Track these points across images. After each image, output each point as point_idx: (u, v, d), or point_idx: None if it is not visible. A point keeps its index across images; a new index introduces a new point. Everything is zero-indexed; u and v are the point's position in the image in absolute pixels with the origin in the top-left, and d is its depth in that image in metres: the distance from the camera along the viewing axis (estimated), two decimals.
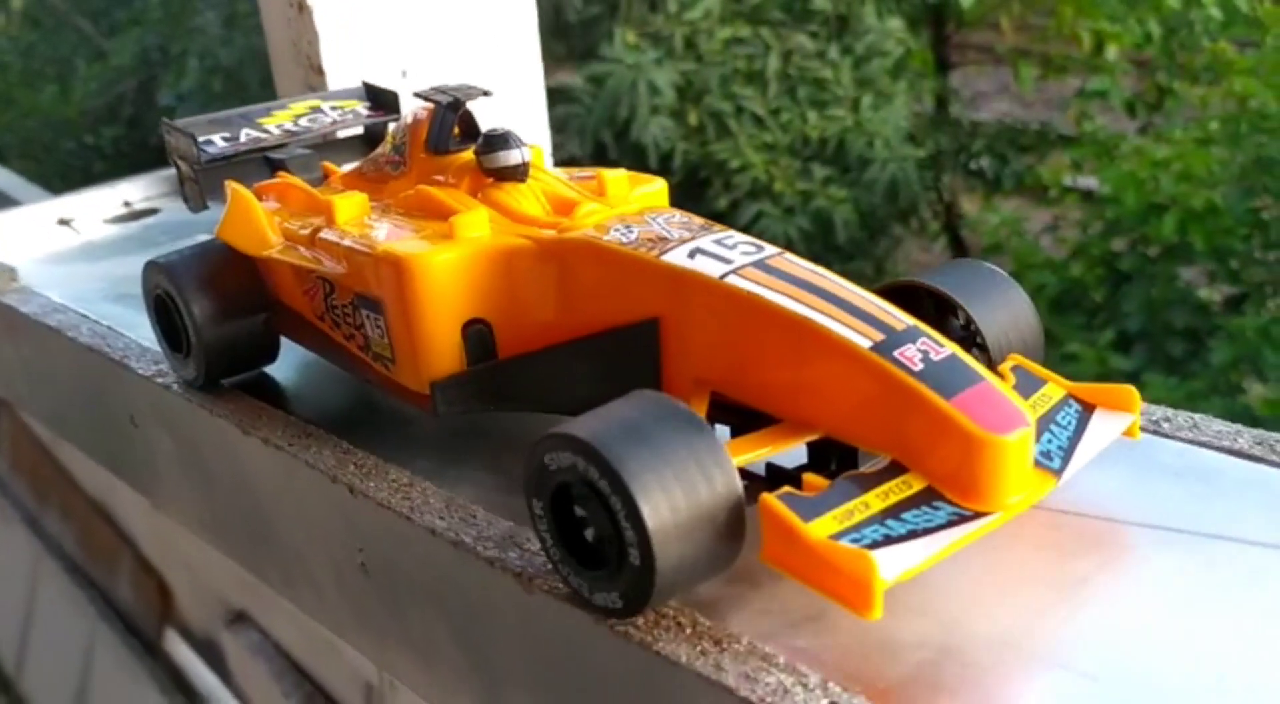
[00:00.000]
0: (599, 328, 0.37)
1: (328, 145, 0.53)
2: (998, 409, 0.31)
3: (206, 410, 0.47)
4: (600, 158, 2.38)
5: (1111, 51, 2.76)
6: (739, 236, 0.36)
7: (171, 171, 0.57)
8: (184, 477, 0.53)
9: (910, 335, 0.32)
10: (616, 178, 0.41)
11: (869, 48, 2.84)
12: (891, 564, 0.28)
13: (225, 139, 0.51)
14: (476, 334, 0.39)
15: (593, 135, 2.43)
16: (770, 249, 0.36)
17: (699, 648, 0.30)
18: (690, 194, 2.48)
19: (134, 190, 0.77)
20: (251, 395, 0.48)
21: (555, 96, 2.33)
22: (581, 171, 0.43)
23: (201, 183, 0.50)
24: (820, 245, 2.51)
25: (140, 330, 0.54)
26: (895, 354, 0.31)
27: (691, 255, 0.35)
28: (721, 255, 0.35)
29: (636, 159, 2.38)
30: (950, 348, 0.32)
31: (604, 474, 0.29)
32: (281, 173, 0.50)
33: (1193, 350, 1.96)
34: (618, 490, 0.29)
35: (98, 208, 0.75)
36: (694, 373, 0.36)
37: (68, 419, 0.65)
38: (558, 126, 2.28)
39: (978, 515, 0.30)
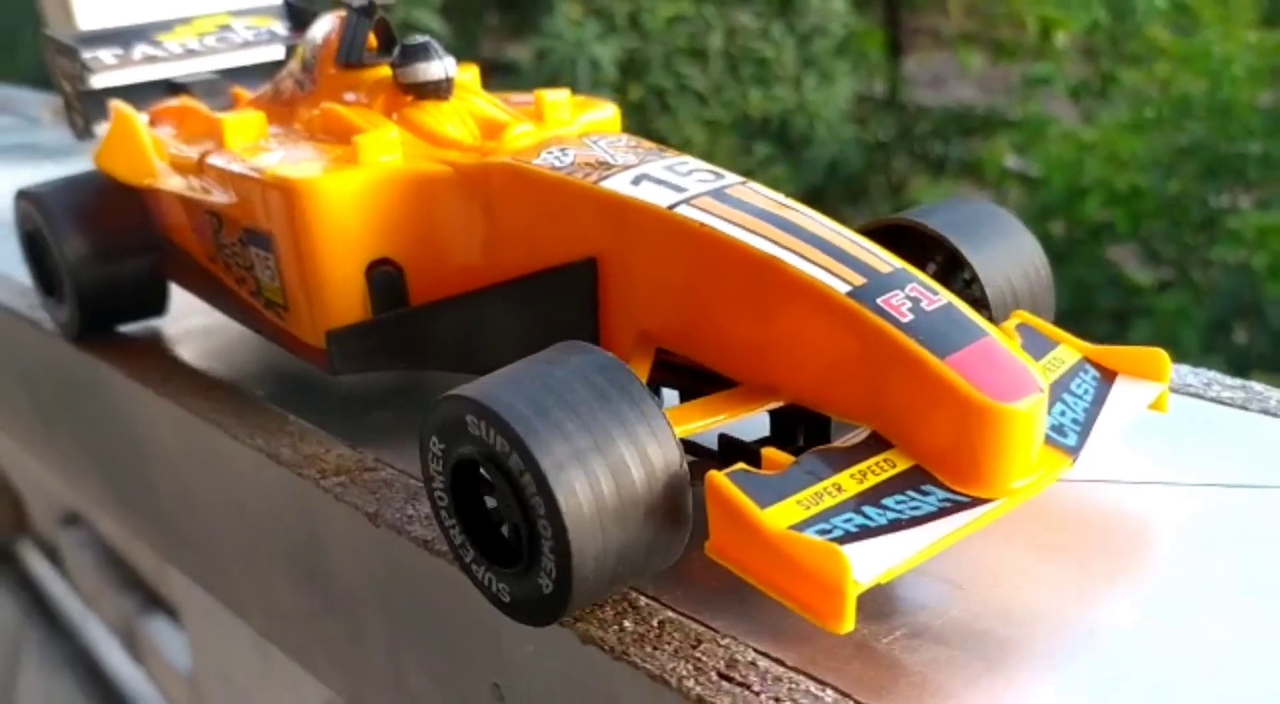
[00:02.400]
0: (526, 270, 0.30)
1: (242, 70, 0.45)
2: (1003, 371, 0.24)
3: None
4: None
5: (1060, 38, 2.71)
6: (695, 162, 0.29)
7: None
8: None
9: (897, 279, 0.25)
10: (556, 100, 0.34)
11: (812, 28, 2.78)
12: (868, 563, 0.22)
13: (116, 57, 0.43)
14: (383, 277, 0.32)
15: None
16: (731, 177, 0.29)
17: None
18: None
19: None
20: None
21: (497, 69, 2.25)
22: (521, 96, 0.36)
23: (86, 107, 0.42)
24: None
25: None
26: (879, 302, 0.24)
27: (636, 182, 0.28)
28: (672, 182, 0.28)
29: None
30: (946, 296, 0.25)
31: (513, 447, 0.22)
32: (184, 97, 0.42)
33: (1117, 331, 1.92)
34: (529, 467, 0.22)
35: None
36: (637, 324, 0.29)
37: None
38: None
39: (976, 502, 0.23)
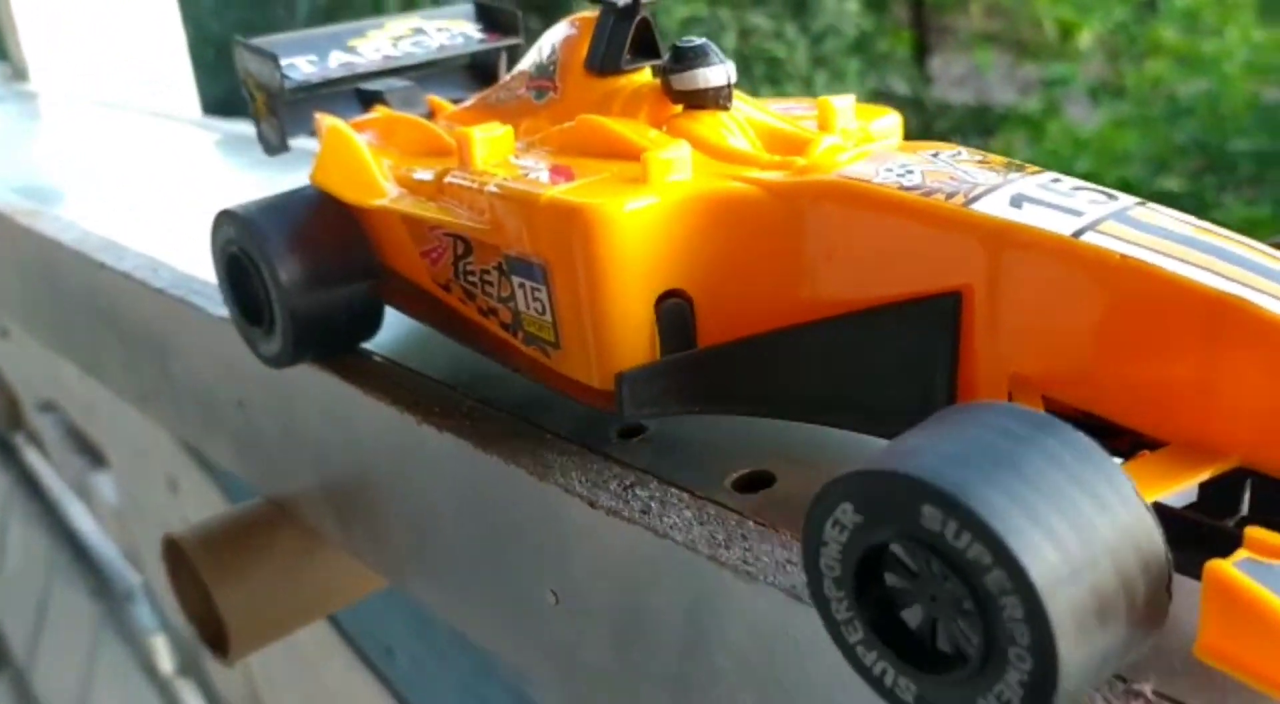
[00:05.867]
0: (856, 306, 0.25)
1: (428, 76, 0.40)
2: None
3: None
4: None
5: (1085, 38, 2.65)
6: (1071, 180, 0.24)
7: None
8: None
9: None
10: (843, 107, 0.28)
11: (826, 28, 2.74)
12: None
13: (311, 63, 0.37)
14: (674, 310, 0.27)
15: None
16: (1126, 197, 0.23)
17: None
18: None
19: None
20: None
21: None
22: (780, 102, 0.31)
23: (283, 117, 0.37)
24: None
25: None
26: None
27: (1016, 204, 0.23)
28: (1060, 205, 0.23)
29: None
30: None
31: (968, 529, 0.17)
32: (379, 107, 0.37)
33: None
34: (996, 557, 0.17)
35: None
36: (1009, 367, 0.23)
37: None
38: None
39: None
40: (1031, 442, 0.18)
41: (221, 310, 0.39)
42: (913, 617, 0.19)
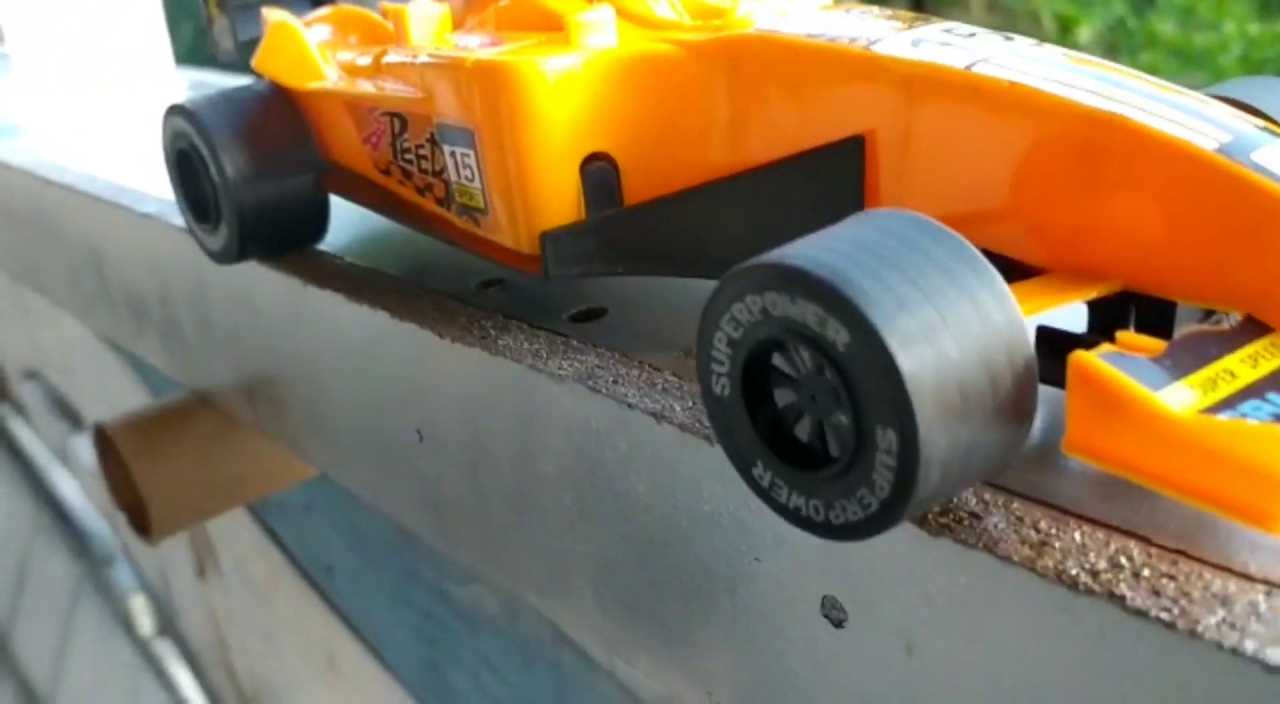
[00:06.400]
0: (770, 159, 0.25)
1: None
2: None
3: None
4: None
5: (1084, 32, 2.65)
6: (969, 28, 0.24)
7: None
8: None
9: (1268, 136, 0.20)
10: None
11: None
12: None
13: None
14: (598, 173, 0.27)
15: None
16: (1021, 38, 0.24)
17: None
18: None
19: None
20: None
21: None
22: None
23: (234, 18, 0.38)
24: None
25: None
26: (1253, 157, 0.20)
27: (915, 45, 0.23)
28: (957, 45, 0.23)
29: None
30: None
31: (845, 322, 0.17)
32: (333, 6, 0.37)
33: None
34: (867, 346, 0.17)
35: None
36: (914, 207, 0.24)
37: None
38: None
39: None
40: (912, 242, 0.18)
41: (148, 208, 0.41)
42: (802, 431, 0.20)
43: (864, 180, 0.24)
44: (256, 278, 0.36)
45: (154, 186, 0.45)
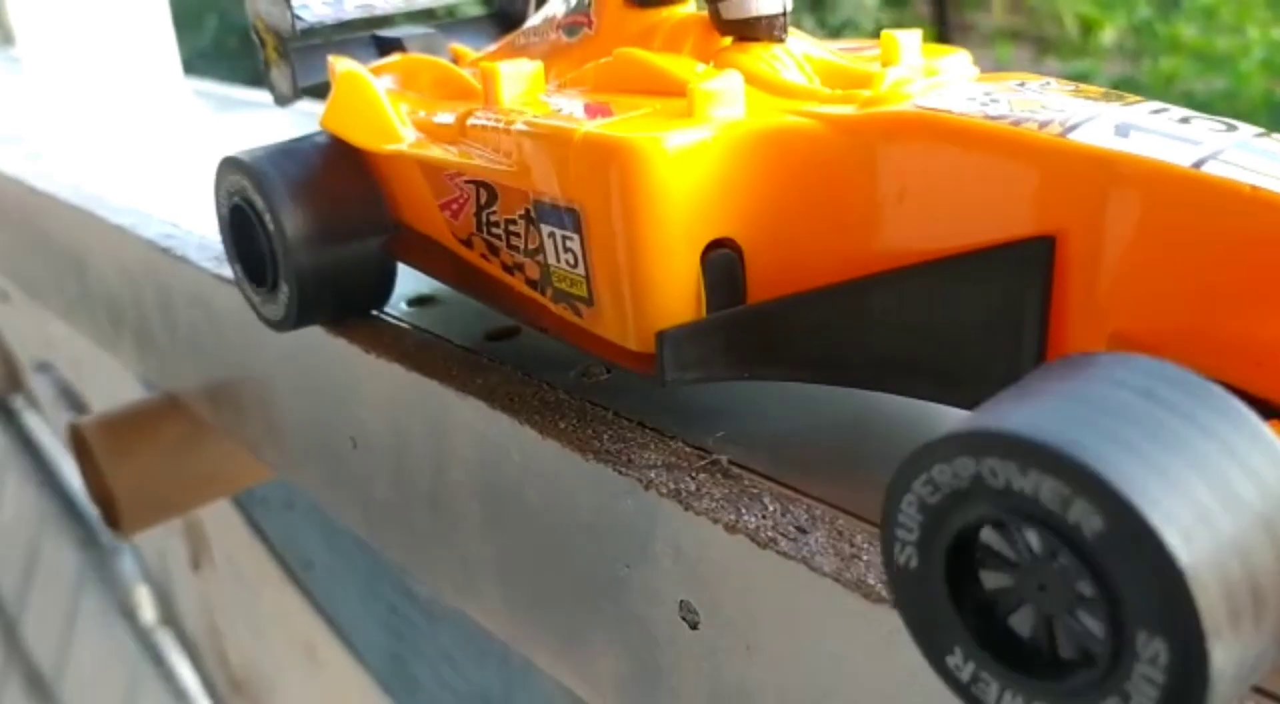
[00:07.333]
0: (932, 255, 0.22)
1: (450, 25, 0.38)
2: None
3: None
4: None
5: (1107, 34, 2.65)
6: (1180, 110, 0.21)
7: None
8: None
9: None
10: (910, 42, 0.25)
11: (844, 22, 2.76)
12: None
13: (326, 4, 0.35)
14: (721, 261, 0.24)
15: None
16: (1245, 126, 0.20)
17: None
18: None
19: None
20: None
21: None
22: (835, 44, 0.28)
23: (294, 63, 0.35)
24: None
25: None
26: None
27: (1122, 133, 0.20)
28: (1174, 134, 0.20)
29: None
30: None
31: (1096, 503, 0.14)
32: (399, 55, 0.35)
33: None
34: (1130, 533, 0.14)
35: None
36: (1113, 323, 0.20)
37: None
38: None
39: None
40: (1155, 395, 0.15)
41: (120, 219, 0.44)
42: (1022, 625, 0.16)
43: (1051, 287, 0.20)
44: (213, 289, 0.39)
45: (132, 197, 0.49)
